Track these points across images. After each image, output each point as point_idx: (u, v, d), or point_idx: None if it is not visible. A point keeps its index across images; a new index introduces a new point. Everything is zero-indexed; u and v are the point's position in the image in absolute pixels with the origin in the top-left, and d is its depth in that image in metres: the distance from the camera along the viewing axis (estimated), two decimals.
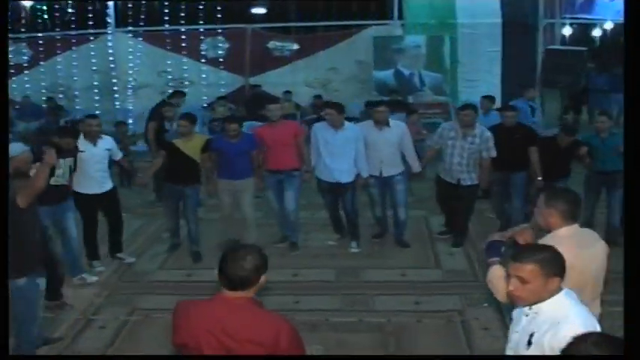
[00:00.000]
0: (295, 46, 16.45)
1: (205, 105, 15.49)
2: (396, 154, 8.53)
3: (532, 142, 8.61)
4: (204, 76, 16.54)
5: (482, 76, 15.53)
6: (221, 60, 16.53)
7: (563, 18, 15.84)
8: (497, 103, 15.35)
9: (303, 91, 16.10)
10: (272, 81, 15.83)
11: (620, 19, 16.33)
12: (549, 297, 3.29)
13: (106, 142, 8.06)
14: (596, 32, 18.82)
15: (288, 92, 15.12)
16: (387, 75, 15.41)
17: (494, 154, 8.38)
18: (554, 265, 3.29)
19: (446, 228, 9.09)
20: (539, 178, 8.45)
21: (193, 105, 15.38)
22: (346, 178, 8.36)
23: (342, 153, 8.26)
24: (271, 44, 16.42)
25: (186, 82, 16.39)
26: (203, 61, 16.50)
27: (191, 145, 8.12)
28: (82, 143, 7.70)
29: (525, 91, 13.34)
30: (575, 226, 4.02)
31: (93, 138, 7.87)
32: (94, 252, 8.07)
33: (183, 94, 12.40)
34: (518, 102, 15.01)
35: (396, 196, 8.62)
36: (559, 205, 3.96)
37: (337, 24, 16.89)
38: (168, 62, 16.44)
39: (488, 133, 8.36)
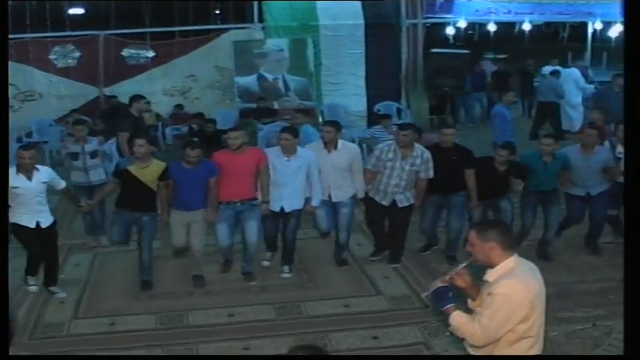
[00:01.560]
0: (151, 53, 15.55)
1: (57, 119, 14.48)
2: (346, 177, 8.00)
3: (469, 164, 8.14)
4: (54, 87, 15.34)
5: (346, 78, 15.28)
6: (72, 70, 15.35)
7: (426, 18, 15.78)
8: (364, 106, 15.27)
9: (162, 100, 15.28)
10: (128, 91, 14.64)
11: (480, 18, 16.62)
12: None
13: (43, 175, 7.23)
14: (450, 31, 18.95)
15: (147, 102, 14.23)
16: (250, 81, 14.84)
17: (432, 174, 7.96)
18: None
19: (376, 250, 8.52)
20: (474, 203, 8.12)
21: (44, 119, 14.46)
22: (294, 205, 7.82)
23: (292, 182, 7.71)
24: (125, 52, 15.45)
25: (36, 95, 15.24)
26: (53, 71, 15.31)
27: (148, 173, 7.37)
28: (14, 178, 6.86)
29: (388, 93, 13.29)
30: (515, 255, 4.00)
31: (27, 171, 7.06)
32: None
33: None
34: (382, 105, 15.01)
35: (340, 218, 8.12)
36: (498, 237, 3.93)
37: (195, 29, 16.11)
38: (14, 73, 15.11)
39: (428, 154, 7.92)
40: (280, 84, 14.89)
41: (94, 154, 8.83)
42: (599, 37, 19.03)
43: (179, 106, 14.89)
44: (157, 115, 14.58)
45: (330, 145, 7.86)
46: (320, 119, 14.01)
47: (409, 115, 14.77)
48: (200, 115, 12.37)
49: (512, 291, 3.77)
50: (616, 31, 17.48)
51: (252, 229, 7.70)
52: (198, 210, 7.51)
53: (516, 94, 14.78)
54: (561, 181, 8.24)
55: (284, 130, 7.88)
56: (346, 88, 15.21)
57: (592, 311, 6.86)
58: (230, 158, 7.54)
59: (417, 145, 7.96)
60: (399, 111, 15.16)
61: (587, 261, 8.27)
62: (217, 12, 20.90)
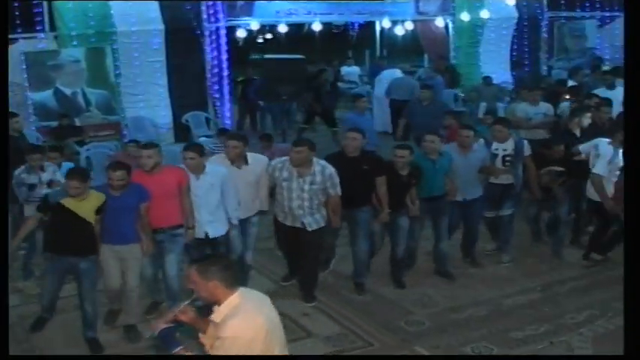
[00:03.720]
0: None
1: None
2: (255, 194, 7.44)
3: (380, 172, 7.57)
4: None
5: (147, 88, 14.49)
6: None
7: (228, 22, 15.43)
8: (169, 118, 14.70)
9: None
10: None
11: (281, 20, 16.55)
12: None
13: None
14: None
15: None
16: (46, 96, 13.68)
17: (339, 191, 7.31)
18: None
19: (290, 274, 7.97)
20: (388, 211, 7.60)
21: None
22: (219, 230, 7.12)
23: (208, 202, 6.98)
24: None
25: None
26: None
27: (86, 206, 6.36)
28: None
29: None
30: (241, 289, 3.98)
31: None
32: None
33: None
34: (190, 116, 14.58)
35: (247, 239, 7.59)
36: (219, 275, 3.88)
37: None
38: None
39: (331, 169, 7.23)
40: (80, 98, 13.93)
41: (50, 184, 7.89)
42: (387, 35, 19.72)
43: None
44: None
45: (239, 161, 7.31)
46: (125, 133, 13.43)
47: (218, 125, 14.46)
48: None
49: (239, 332, 3.76)
50: (404, 29, 18.31)
51: (173, 261, 6.88)
52: (133, 244, 6.62)
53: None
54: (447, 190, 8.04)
55: (188, 148, 7.08)
56: (148, 99, 14.47)
57: (539, 327, 6.92)
58: (145, 180, 6.65)
59: (316, 160, 7.29)
60: (207, 121, 14.83)
61: (497, 273, 8.36)
62: None
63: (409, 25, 18.52)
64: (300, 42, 20.78)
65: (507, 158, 8.43)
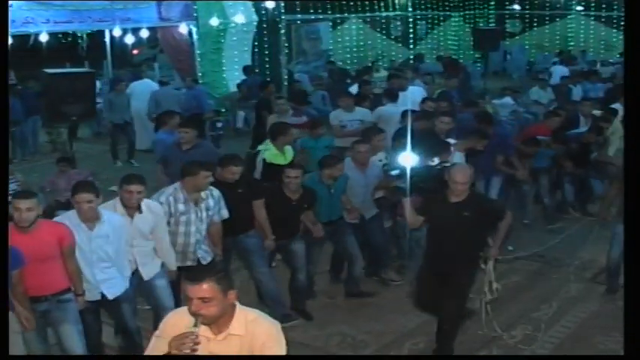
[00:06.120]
0: None
1: None
2: (148, 245, 5.99)
3: (257, 194, 6.80)
4: None
5: None
6: None
7: None
8: None
9: None
10: None
11: (18, 30, 14.20)
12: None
13: None
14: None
15: None
16: None
17: (226, 214, 6.52)
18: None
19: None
20: (272, 237, 6.79)
21: None
22: (118, 288, 5.67)
23: (102, 258, 5.56)
24: None
25: None
26: None
27: None
28: None
29: None
30: None
31: None
32: None
33: None
34: None
35: (161, 295, 6.11)
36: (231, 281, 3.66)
37: None
38: None
39: (217, 191, 6.41)
40: None
41: None
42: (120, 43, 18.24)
43: None
44: None
45: (132, 208, 5.83)
46: None
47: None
48: None
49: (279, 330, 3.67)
50: (134, 37, 16.97)
51: (71, 332, 5.38)
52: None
53: None
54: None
55: (80, 189, 5.50)
56: None
57: None
58: (17, 240, 5.05)
59: None
60: None
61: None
62: None
63: (144, 33, 17.17)
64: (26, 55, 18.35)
65: None
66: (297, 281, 7.04)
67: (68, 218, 5.51)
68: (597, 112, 10.25)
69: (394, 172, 6.22)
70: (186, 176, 6.22)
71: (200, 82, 16.24)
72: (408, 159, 6.09)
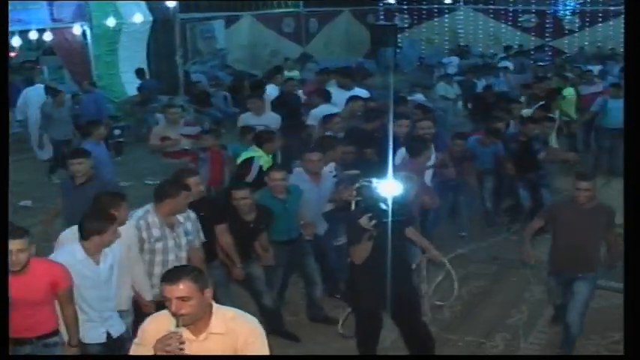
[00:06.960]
0: None
1: None
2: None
3: (218, 218, 6.19)
4: None
5: None
6: None
7: None
8: None
9: None
10: None
11: None
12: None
13: None
14: None
15: None
16: None
17: (203, 237, 5.94)
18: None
19: None
20: (239, 266, 6.26)
21: None
22: (120, 326, 5.19)
23: (110, 293, 5.11)
24: None
25: None
26: None
27: None
28: None
29: None
30: None
31: None
32: None
33: None
34: None
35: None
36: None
37: None
38: None
39: (192, 212, 5.80)
40: None
41: None
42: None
43: None
44: None
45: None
46: None
47: None
48: None
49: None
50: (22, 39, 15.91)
51: None
52: None
53: None
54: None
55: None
56: None
57: None
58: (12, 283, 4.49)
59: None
60: None
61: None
62: None
63: (34, 35, 16.15)
64: None
65: None
66: (268, 304, 6.54)
67: (67, 254, 4.96)
68: (527, 112, 10.27)
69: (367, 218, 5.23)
70: (165, 199, 5.59)
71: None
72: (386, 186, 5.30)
